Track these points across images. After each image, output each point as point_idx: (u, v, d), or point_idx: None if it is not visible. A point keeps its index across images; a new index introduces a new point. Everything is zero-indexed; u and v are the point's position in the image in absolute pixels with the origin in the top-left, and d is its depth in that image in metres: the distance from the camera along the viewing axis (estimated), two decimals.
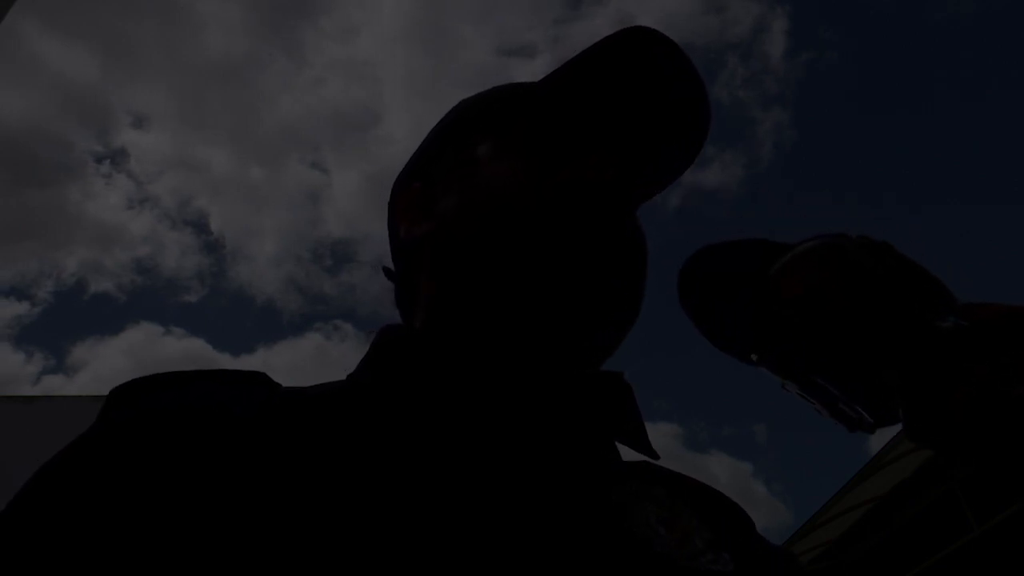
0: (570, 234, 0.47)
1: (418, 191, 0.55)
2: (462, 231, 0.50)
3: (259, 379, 0.43)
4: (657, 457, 0.48)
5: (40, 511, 0.33)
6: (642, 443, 0.47)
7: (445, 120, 0.59)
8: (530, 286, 0.46)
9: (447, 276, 0.50)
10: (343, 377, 0.48)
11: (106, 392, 0.41)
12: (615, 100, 0.54)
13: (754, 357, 0.45)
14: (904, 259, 0.42)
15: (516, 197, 0.49)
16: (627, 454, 0.48)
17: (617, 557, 0.37)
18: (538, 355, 0.46)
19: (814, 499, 8.69)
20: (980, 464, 0.36)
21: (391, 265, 0.59)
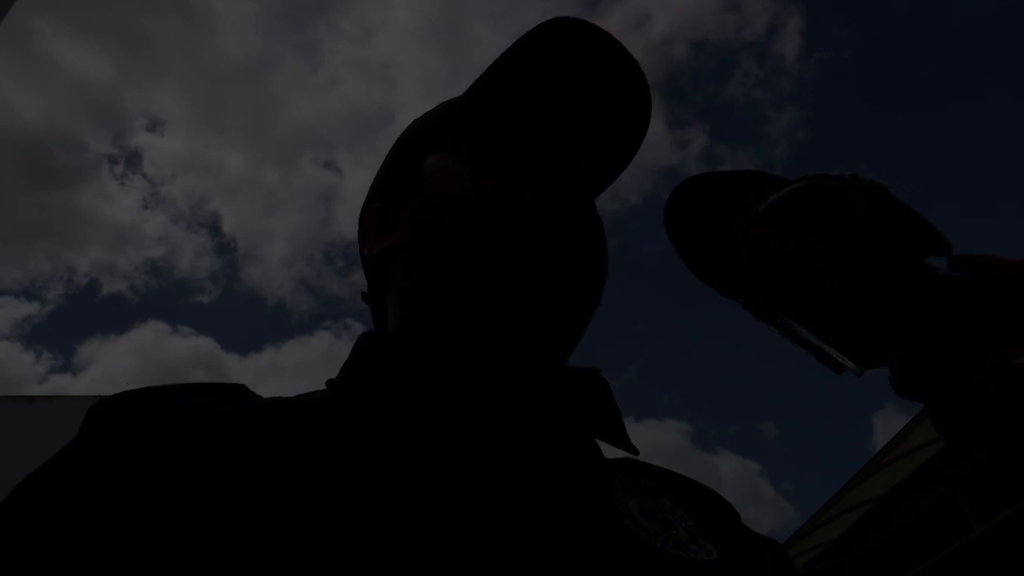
0: (526, 233, 0.47)
1: (378, 211, 0.57)
2: (418, 239, 0.51)
3: (239, 391, 0.44)
4: (637, 452, 0.48)
5: (31, 516, 0.33)
6: (621, 439, 0.48)
7: (399, 141, 0.60)
8: (490, 286, 0.47)
9: (408, 285, 0.51)
10: (330, 380, 0.49)
11: (108, 391, 0.41)
12: (551, 96, 0.55)
13: (741, 300, 0.43)
14: (900, 204, 0.39)
15: (464, 201, 0.50)
16: (609, 451, 0.48)
17: (606, 549, 0.37)
18: (506, 354, 0.46)
19: (821, 498, 8.69)
20: (999, 457, 0.35)
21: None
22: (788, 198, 0.41)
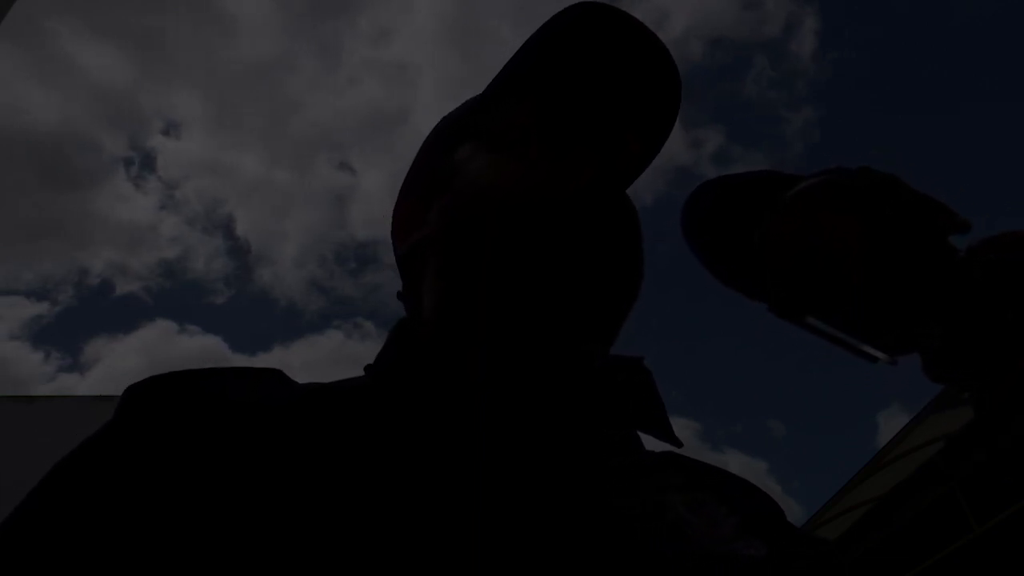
0: (555, 222, 0.47)
1: (407, 208, 0.57)
2: (449, 228, 0.51)
3: (276, 375, 0.44)
4: (680, 445, 0.47)
5: (60, 502, 0.34)
6: (665, 431, 0.47)
7: (426, 140, 0.60)
8: (520, 276, 0.46)
9: (436, 278, 0.50)
10: (361, 371, 0.49)
11: (112, 391, 0.42)
12: (577, 85, 0.54)
13: (767, 304, 0.43)
14: (914, 191, 0.39)
15: (493, 189, 0.49)
16: (650, 443, 0.48)
17: (646, 546, 0.37)
18: (542, 345, 0.45)
19: (828, 497, 8.73)
20: None
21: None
22: (808, 192, 0.41)
